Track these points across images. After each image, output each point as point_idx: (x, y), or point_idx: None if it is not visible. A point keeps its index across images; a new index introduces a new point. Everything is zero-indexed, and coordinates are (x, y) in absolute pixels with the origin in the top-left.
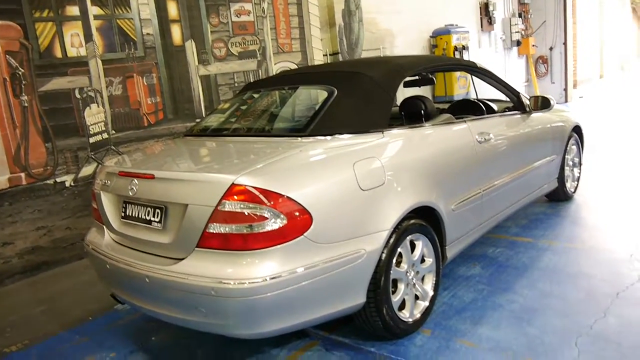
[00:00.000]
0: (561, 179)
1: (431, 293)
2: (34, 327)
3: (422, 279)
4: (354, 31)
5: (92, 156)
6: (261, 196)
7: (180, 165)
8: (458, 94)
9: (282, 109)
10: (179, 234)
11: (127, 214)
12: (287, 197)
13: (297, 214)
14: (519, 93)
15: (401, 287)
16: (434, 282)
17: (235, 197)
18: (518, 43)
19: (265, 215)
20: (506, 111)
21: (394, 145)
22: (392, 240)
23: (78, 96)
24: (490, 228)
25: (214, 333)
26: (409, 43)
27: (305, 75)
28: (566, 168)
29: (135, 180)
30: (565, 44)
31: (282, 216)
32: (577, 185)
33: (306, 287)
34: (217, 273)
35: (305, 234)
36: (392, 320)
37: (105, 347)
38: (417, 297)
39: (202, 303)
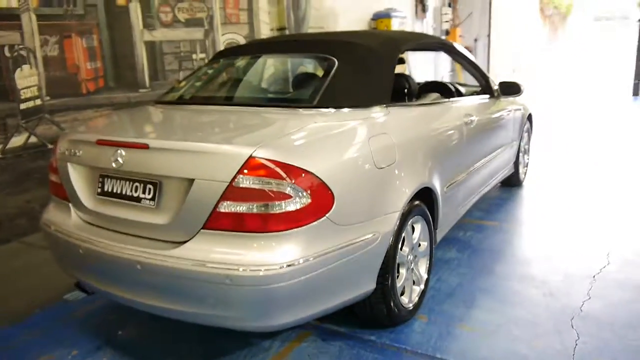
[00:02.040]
0: (516, 164)
1: (425, 277)
2: None
3: (417, 263)
4: (301, 7)
5: (23, 125)
6: (283, 171)
7: (180, 135)
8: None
9: (276, 78)
10: (180, 214)
11: (106, 189)
12: (311, 173)
13: (320, 192)
14: (488, 77)
15: (403, 271)
16: (427, 266)
17: (254, 171)
18: (447, 32)
19: (288, 193)
20: (474, 95)
21: (400, 121)
22: (399, 222)
23: (8, 54)
24: (466, 211)
25: (218, 327)
26: (351, 24)
27: (293, 44)
28: (520, 154)
29: (121, 150)
30: (489, 36)
31: (305, 194)
32: (526, 171)
33: (324, 274)
34: (231, 258)
35: (327, 215)
36: (397, 306)
37: (63, 343)
38: (412, 282)
39: (211, 293)
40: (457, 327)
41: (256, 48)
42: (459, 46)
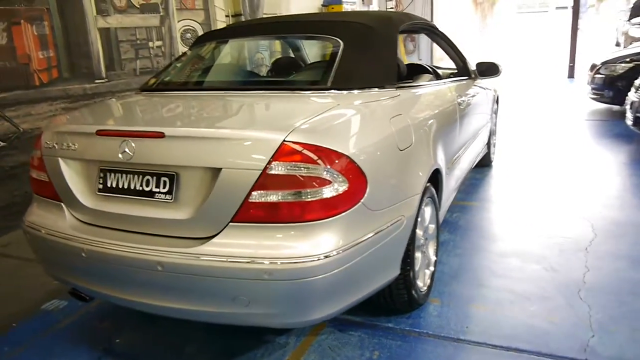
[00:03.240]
0: (489, 144)
1: (434, 259)
2: None
3: (428, 246)
4: None
5: None
6: (319, 155)
7: (197, 122)
8: None
9: (281, 60)
10: (205, 207)
11: (109, 185)
12: (347, 156)
13: (355, 176)
14: (466, 59)
15: (418, 255)
16: (435, 248)
17: (289, 157)
18: None
19: (327, 178)
20: (450, 77)
21: (411, 102)
22: (418, 205)
23: None
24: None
25: (250, 325)
26: (303, 10)
27: (290, 25)
28: (490, 135)
29: (130, 140)
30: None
31: (343, 179)
32: (495, 151)
33: (359, 263)
34: (268, 252)
35: (362, 200)
36: (415, 291)
37: (55, 356)
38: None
39: (247, 290)
40: (471, 307)
41: (247, 30)
42: (440, 28)
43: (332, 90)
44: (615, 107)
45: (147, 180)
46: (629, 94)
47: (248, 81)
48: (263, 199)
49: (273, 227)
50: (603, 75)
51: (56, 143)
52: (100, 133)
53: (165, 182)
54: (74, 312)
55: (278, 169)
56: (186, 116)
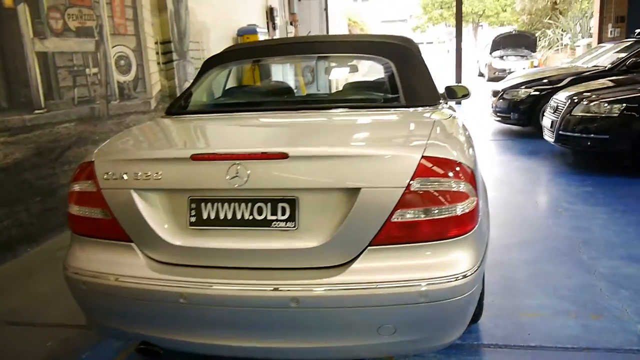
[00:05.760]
0: None
1: None
2: None
3: None
4: (182, 18)
5: None
6: (456, 170)
7: (317, 141)
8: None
9: (330, 81)
10: (341, 231)
11: (206, 217)
12: (472, 170)
13: (476, 190)
14: None
15: None
16: None
17: (430, 172)
18: None
19: (465, 192)
20: None
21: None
22: None
23: None
24: None
25: (385, 355)
26: (220, 39)
27: (326, 45)
28: None
29: (243, 164)
30: None
31: (474, 193)
32: None
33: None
34: (422, 274)
35: (480, 215)
36: (482, 302)
37: None
38: None
39: (396, 317)
40: (520, 316)
41: (285, 49)
42: None
43: (409, 108)
44: (515, 128)
45: (260, 208)
46: (545, 114)
47: (325, 99)
48: (405, 218)
49: (414, 247)
50: (508, 100)
51: (125, 173)
52: (197, 157)
53: (284, 208)
54: None
55: (420, 185)
56: (297, 136)
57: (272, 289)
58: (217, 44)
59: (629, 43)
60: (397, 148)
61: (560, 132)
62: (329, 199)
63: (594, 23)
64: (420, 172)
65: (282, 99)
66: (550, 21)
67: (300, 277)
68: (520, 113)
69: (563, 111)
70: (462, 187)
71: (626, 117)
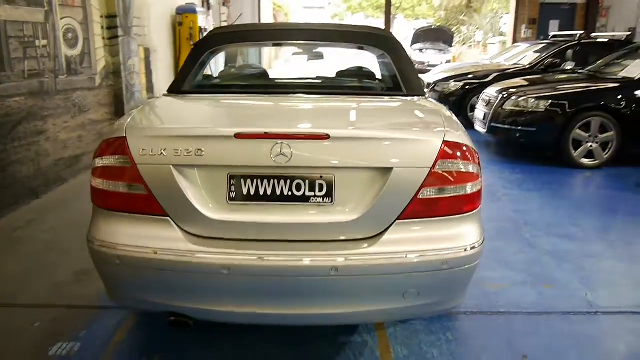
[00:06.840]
0: None
1: None
2: None
3: None
4: None
5: None
6: (470, 154)
7: (351, 124)
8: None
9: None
10: (375, 206)
11: (245, 193)
12: (478, 154)
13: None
14: None
15: None
16: None
17: (451, 155)
18: None
19: (475, 173)
20: None
21: None
22: None
23: None
24: None
25: (407, 318)
26: (159, 16)
27: (319, 33)
28: None
29: (287, 143)
30: None
31: (480, 174)
32: None
33: None
34: (444, 244)
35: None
36: None
37: None
38: None
39: (420, 282)
40: (486, 287)
41: (279, 35)
42: None
43: (411, 97)
44: None
45: (298, 184)
46: (477, 107)
47: (334, 85)
48: (429, 195)
49: (435, 221)
50: (438, 92)
51: (164, 149)
52: (240, 136)
53: (321, 185)
54: (97, 352)
55: (442, 166)
56: (334, 119)
57: (313, 259)
58: (157, 20)
59: (544, 44)
60: (424, 133)
61: (492, 124)
62: (363, 177)
63: (510, 23)
64: (442, 155)
65: (297, 82)
66: (465, 18)
67: (339, 248)
68: (450, 105)
69: (495, 105)
70: (472, 168)
71: (551, 112)
